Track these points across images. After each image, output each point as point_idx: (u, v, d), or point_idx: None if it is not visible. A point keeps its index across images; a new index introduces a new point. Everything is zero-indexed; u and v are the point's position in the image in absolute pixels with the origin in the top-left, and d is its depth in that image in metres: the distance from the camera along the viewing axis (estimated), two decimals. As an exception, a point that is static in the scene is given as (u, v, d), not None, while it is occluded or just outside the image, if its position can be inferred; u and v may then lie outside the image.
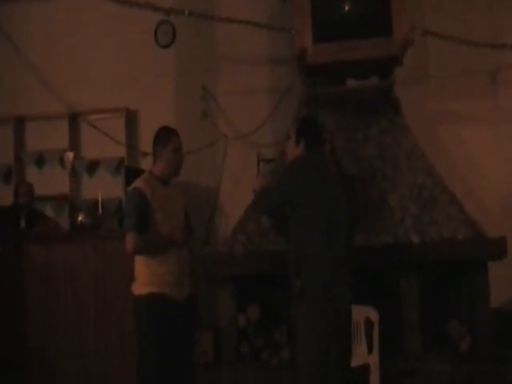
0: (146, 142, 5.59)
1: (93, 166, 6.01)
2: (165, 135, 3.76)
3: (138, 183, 3.69)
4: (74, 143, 6.05)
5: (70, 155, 5.90)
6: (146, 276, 3.63)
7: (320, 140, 3.73)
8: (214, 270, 4.96)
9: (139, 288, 3.64)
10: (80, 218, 5.26)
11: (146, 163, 5.50)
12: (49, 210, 5.79)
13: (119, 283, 4.73)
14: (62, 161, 5.99)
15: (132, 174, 4.95)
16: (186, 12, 5.43)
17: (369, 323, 4.49)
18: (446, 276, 5.04)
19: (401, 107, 5.25)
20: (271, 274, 4.78)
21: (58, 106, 6.01)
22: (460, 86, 5.51)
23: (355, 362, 4.12)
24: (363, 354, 4.45)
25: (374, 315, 4.49)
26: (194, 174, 5.53)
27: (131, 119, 5.99)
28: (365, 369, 4.40)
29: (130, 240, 3.57)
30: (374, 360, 4.43)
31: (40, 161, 6.07)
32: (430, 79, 5.60)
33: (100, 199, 5.34)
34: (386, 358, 4.53)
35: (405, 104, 5.26)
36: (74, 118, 6.06)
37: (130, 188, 3.71)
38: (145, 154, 5.64)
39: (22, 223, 5.09)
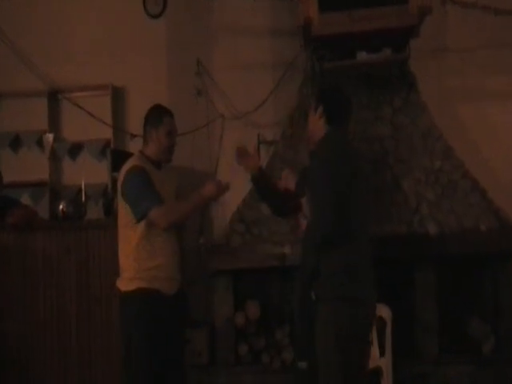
0: (134, 123, 5.59)
1: (75, 149, 5.94)
2: (157, 115, 3.75)
3: (135, 161, 3.64)
4: (54, 123, 5.99)
5: (49, 137, 5.83)
6: (134, 270, 3.62)
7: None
8: (210, 263, 4.95)
9: (126, 283, 3.64)
10: (61, 207, 5.22)
11: (134, 146, 5.45)
12: (26, 198, 5.73)
13: (104, 277, 4.78)
14: (40, 143, 5.92)
15: (119, 157, 4.96)
16: (179, -22, 5.42)
17: (381, 322, 4.48)
18: (467, 270, 5.05)
19: (417, 83, 5.24)
20: (272, 267, 4.76)
21: (36, 82, 5.91)
22: (483, 60, 5.45)
23: (366, 365, 4.10)
24: (375, 356, 4.42)
25: (386, 313, 4.52)
26: (188, 157, 5.50)
27: (118, 97, 5.94)
28: (376, 372, 4.40)
29: (157, 214, 3.52)
30: (386, 363, 4.46)
31: (16, 143, 5.99)
32: (449, 52, 5.53)
33: (83, 185, 5.33)
34: (400, 360, 4.55)
35: (421, 80, 5.26)
36: (53, 96, 5.98)
37: (128, 167, 3.66)
38: (133, 136, 5.59)
39: (-6, 213, 5.06)
